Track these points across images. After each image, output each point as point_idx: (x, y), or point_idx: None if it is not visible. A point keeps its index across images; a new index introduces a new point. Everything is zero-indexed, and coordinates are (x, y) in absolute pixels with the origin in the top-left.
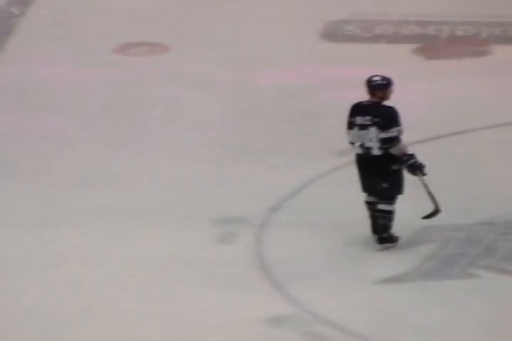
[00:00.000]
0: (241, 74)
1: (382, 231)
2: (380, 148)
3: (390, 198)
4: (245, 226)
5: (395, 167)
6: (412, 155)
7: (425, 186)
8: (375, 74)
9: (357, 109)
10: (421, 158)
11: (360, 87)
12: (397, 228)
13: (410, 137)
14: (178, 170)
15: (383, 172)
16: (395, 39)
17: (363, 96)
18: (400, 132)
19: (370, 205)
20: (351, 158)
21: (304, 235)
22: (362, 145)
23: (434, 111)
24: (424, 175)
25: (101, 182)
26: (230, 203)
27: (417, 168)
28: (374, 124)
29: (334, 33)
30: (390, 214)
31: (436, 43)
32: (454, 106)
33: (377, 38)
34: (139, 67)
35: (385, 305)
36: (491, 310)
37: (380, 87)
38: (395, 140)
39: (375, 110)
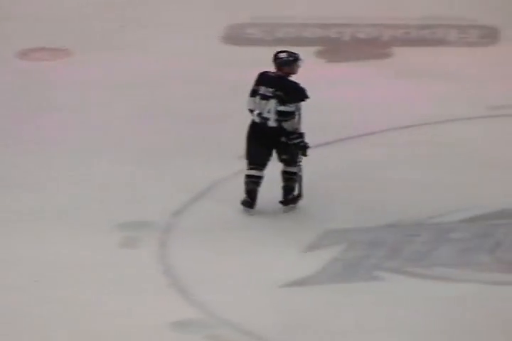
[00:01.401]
0: (144, 77)
1: (287, 193)
2: (276, 120)
3: (294, 163)
4: (149, 231)
5: (283, 139)
6: (301, 134)
7: (299, 169)
8: (282, 50)
9: (263, 79)
10: (328, 162)
11: None
12: (301, 231)
13: (315, 139)
14: (82, 175)
15: (276, 144)
16: (297, 42)
17: None
18: (297, 108)
19: (251, 178)
20: None
21: (207, 239)
22: (260, 115)
23: (339, 113)
24: (304, 155)
25: (9, 186)
26: (134, 207)
27: (300, 148)
28: (275, 97)
29: (236, 37)
30: (294, 175)
31: (338, 46)
32: (357, 108)
33: (279, 41)
34: (42, 72)
35: (291, 307)
36: (398, 311)
37: (286, 64)
38: (290, 114)
39: (279, 83)
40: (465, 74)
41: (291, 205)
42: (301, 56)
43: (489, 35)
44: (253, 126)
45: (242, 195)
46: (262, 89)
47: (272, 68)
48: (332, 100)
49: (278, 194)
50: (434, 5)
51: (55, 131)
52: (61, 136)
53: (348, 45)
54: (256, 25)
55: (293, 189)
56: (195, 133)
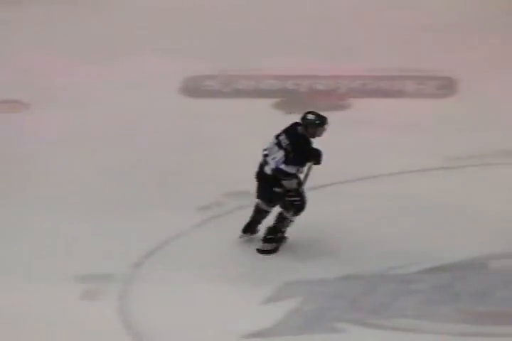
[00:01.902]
0: (102, 130)
1: (271, 233)
2: (273, 171)
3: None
4: (109, 283)
5: (277, 190)
6: (296, 194)
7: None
8: (312, 111)
9: (288, 129)
10: None
11: (221, 142)
12: (261, 282)
13: None
14: (43, 226)
15: (269, 191)
16: (255, 94)
17: (225, 152)
18: (299, 171)
19: (256, 207)
20: (216, 213)
21: (167, 291)
22: (265, 156)
23: None
24: (293, 214)
25: None
26: (95, 259)
27: (291, 207)
28: (285, 150)
29: (194, 89)
30: (287, 221)
31: (296, 97)
32: None
33: (237, 93)
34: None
35: None
36: None
37: (312, 125)
38: (289, 175)
39: (294, 140)
40: (422, 126)
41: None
42: (328, 120)
43: (446, 87)
44: (259, 165)
45: (202, 247)
46: (282, 137)
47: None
48: None
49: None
50: (392, 56)
51: (15, 183)
52: (24, 188)
53: (306, 97)
54: (214, 78)
55: (279, 231)
56: (157, 185)
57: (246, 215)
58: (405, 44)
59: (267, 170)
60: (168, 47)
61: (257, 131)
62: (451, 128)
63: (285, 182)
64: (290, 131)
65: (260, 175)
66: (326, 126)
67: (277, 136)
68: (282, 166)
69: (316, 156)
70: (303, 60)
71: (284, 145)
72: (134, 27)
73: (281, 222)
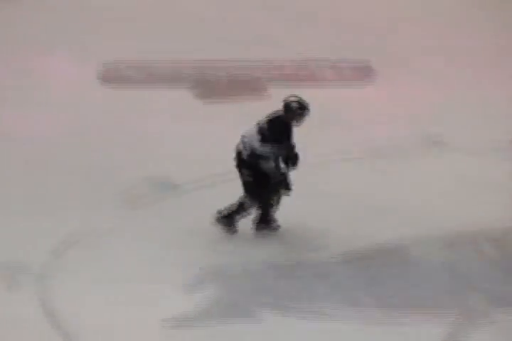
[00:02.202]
0: (28, 125)
1: (227, 211)
2: (248, 156)
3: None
4: (28, 272)
5: (247, 179)
6: (283, 174)
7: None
8: (295, 95)
9: (269, 116)
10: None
11: (142, 138)
12: (181, 270)
13: (189, 176)
14: None
15: (243, 178)
16: (174, 82)
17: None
18: (274, 155)
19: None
20: (139, 205)
21: (85, 287)
22: (244, 143)
23: (213, 150)
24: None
25: None
26: (12, 248)
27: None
28: (261, 130)
29: (113, 78)
30: (245, 206)
31: (214, 87)
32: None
33: (155, 81)
34: None
35: None
36: None
37: (291, 110)
38: (263, 157)
39: (273, 122)
40: (343, 115)
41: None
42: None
43: (366, 76)
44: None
45: (123, 239)
46: (261, 121)
47: None
48: (208, 140)
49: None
50: (310, 45)
51: None
52: None
53: (224, 86)
54: (132, 65)
55: (235, 212)
56: (78, 178)
57: (169, 207)
58: (324, 34)
59: (244, 155)
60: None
61: (174, 118)
62: (371, 117)
63: (263, 163)
64: (271, 115)
65: (237, 162)
66: (306, 112)
67: (258, 123)
68: (257, 146)
69: (291, 150)
70: (221, 48)
71: (262, 128)
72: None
73: (241, 208)
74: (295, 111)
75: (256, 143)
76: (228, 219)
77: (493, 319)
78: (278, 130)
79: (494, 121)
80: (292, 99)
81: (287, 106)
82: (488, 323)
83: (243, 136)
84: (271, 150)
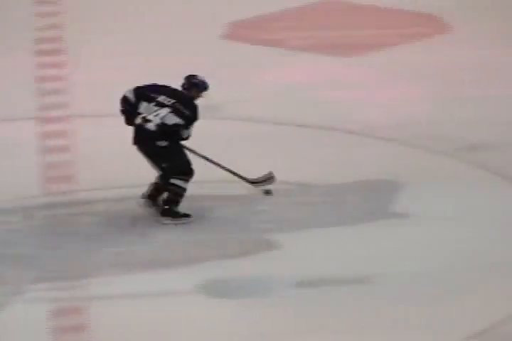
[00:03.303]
0: None
1: (167, 204)
2: (157, 126)
3: (179, 174)
4: None
5: (162, 143)
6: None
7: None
8: (194, 74)
9: (165, 90)
10: None
11: None
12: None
13: None
14: None
15: (153, 149)
16: None
17: None
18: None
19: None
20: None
21: None
22: (144, 118)
23: None
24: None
25: None
26: None
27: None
28: (172, 107)
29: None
30: (178, 188)
31: None
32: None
33: None
34: None
35: None
36: None
37: (196, 87)
38: (177, 126)
39: (184, 99)
40: None
41: (168, 218)
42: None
43: None
44: (134, 130)
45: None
46: (161, 98)
47: None
48: None
49: None
50: None
51: None
52: None
53: None
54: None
55: (174, 202)
56: None
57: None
58: None
59: (151, 126)
60: None
61: None
62: None
63: (183, 132)
64: (169, 91)
65: (139, 137)
66: (206, 91)
67: (151, 99)
68: (170, 119)
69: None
70: None
71: (169, 104)
72: None
73: (172, 190)
74: (201, 89)
75: (168, 118)
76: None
77: None
78: (194, 106)
79: None
80: (197, 78)
81: (192, 83)
82: None
83: (142, 116)
84: (183, 123)
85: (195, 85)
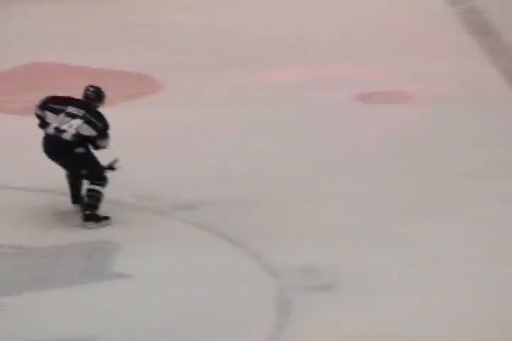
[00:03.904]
0: None
1: (89, 209)
2: (73, 136)
3: (98, 179)
4: None
5: (79, 150)
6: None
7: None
8: (93, 85)
9: (72, 102)
10: None
11: None
12: None
13: None
14: None
15: (71, 157)
16: None
17: None
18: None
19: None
20: None
21: None
22: (56, 128)
23: None
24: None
25: None
26: None
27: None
28: (83, 118)
29: None
30: (98, 194)
31: None
32: None
33: None
34: None
35: None
36: None
37: (98, 98)
38: (89, 138)
39: (92, 110)
40: None
41: (91, 222)
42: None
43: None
44: (45, 141)
45: None
46: (71, 109)
47: None
48: None
49: None
50: None
51: None
52: None
53: None
54: None
55: (96, 207)
56: None
57: None
58: None
59: (66, 136)
60: None
61: None
62: None
63: (100, 142)
64: (76, 103)
65: (52, 147)
66: (105, 100)
67: (58, 112)
68: (86, 128)
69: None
70: None
71: (80, 115)
72: None
73: (93, 196)
74: (102, 96)
75: (83, 129)
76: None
77: None
78: (101, 116)
79: None
80: (94, 89)
81: (95, 93)
82: None
83: (54, 126)
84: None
85: (93, 96)
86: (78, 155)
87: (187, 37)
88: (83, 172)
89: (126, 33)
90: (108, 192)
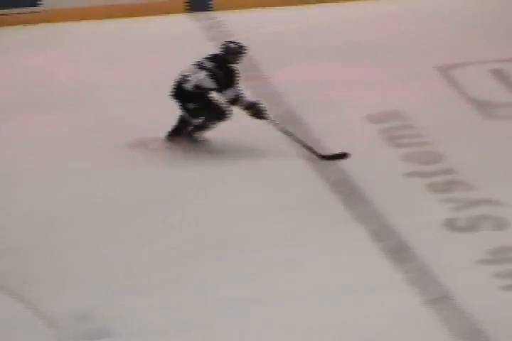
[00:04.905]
0: None
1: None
2: (193, 86)
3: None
4: None
5: (190, 106)
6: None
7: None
8: (233, 40)
9: (211, 58)
10: None
11: None
12: None
13: None
14: None
15: (184, 108)
16: None
17: None
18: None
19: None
20: None
21: None
22: (185, 76)
23: None
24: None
25: None
26: None
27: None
28: (210, 71)
29: None
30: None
31: None
32: None
33: None
34: None
35: None
36: None
37: (232, 53)
38: (211, 90)
39: (224, 65)
40: None
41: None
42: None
43: None
44: (174, 83)
45: None
46: (203, 60)
47: None
48: None
49: None
50: None
51: None
52: None
53: None
54: None
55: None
56: None
57: None
58: None
59: (188, 86)
60: None
61: None
62: None
63: (224, 93)
64: (211, 57)
65: (176, 93)
66: (243, 56)
67: (197, 63)
68: (204, 82)
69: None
70: None
71: (208, 66)
72: None
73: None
74: (237, 54)
75: (203, 81)
76: (175, 134)
77: None
78: (232, 71)
79: None
80: (233, 44)
81: (228, 48)
82: None
83: (185, 74)
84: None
85: (227, 50)
86: (190, 109)
87: None
88: (195, 121)
89: None
90: None
